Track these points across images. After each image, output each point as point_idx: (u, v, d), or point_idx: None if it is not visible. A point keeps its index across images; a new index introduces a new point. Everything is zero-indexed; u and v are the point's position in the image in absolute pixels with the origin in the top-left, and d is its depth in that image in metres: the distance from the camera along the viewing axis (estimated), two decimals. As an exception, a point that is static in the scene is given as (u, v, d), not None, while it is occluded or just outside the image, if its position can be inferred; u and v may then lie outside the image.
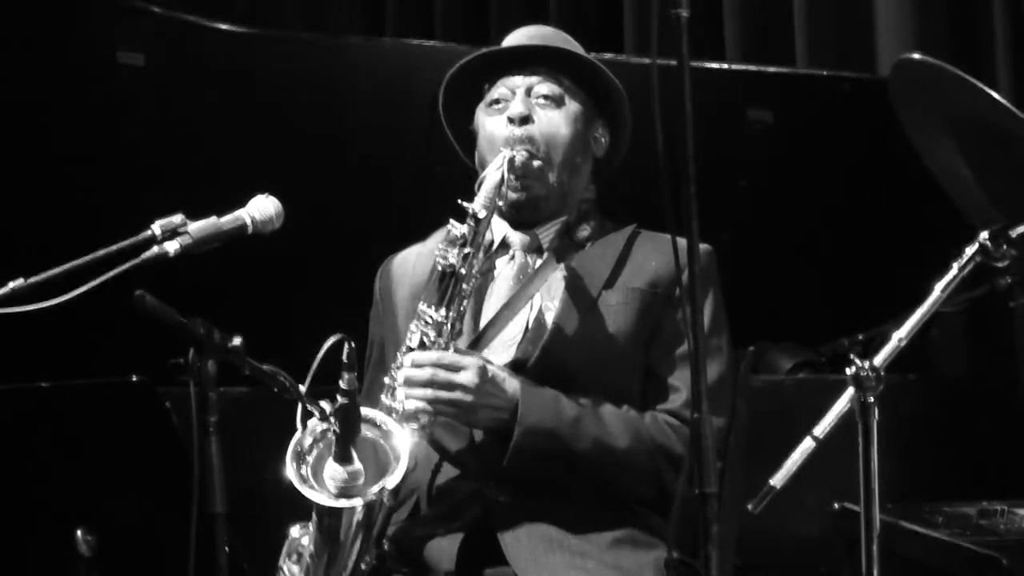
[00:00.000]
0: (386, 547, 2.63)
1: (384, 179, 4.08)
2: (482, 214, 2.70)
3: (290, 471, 2.50)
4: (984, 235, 2.41)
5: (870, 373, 2.28)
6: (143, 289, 2.28)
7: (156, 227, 2.54)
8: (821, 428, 2.31)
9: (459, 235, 2.69)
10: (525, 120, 2.82)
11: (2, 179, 3.74)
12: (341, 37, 5.05)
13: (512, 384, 2.68)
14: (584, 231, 2.90)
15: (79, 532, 2.98)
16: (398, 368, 2.67)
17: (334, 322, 2.59)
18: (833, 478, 2.83)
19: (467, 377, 2.63)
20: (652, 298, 2.80)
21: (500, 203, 2.76)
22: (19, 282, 2.47)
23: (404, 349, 2.70)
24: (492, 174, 2.74)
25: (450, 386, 2.63)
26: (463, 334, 2.76)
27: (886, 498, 2.33)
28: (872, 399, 2.28)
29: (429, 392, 2.62)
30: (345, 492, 2.49)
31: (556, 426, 2.66)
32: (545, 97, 2.86)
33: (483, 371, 2.64)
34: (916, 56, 2.60)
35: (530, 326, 2.80)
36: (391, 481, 2.51)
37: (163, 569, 2.75)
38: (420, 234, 3.01)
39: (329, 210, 3.91)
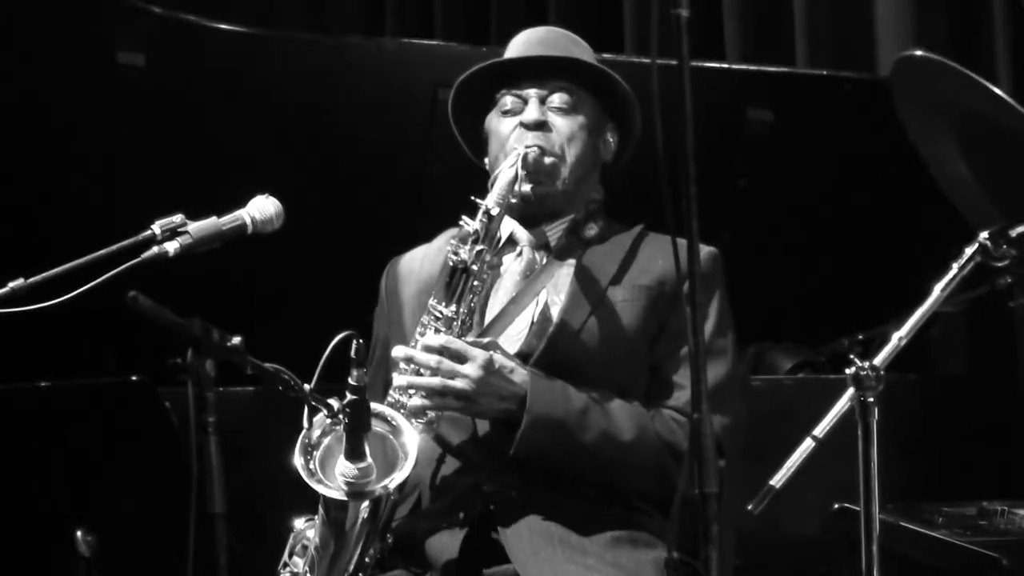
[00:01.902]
0: (389, 540, 2.63)
1: (384, 179, 4.08)
2: (495, 211, 2.70)
3: (299, 465, 2.50)
4: (984, 235, 2.41)
5: (870, 373, 2.28)
6: (144, 290, 2.28)
7: (156, 227, 2.54)
8: (821, 428, 2.31)
9: (471, 231, 2.70)
10: (540, 126, 2.83)
11: (2, 179, 3.74)
12: (341, 37, 5.05)
13: (520, 375, 2.68)
14: (591, 230, 2.91)
15: (79, 532, 2.98)
16: (406, 361, 2.68)
17: (334, 322, 2.59)
18: (833, 478, 2.83)
19: (471, 368, 2.63)
20: (659, 296, 2.80)
21: (513, 200, 2.76)
22: (19, 282, 2.47)
23: (413, 344, 2.70)
24: (506, 171, 2.75)
25: (454, 375, 2.63)
26: (472, 329, 2.76)
27: (886, 498, 2.33)
28: (872, 399, 2.28)
29: (436, 381, 2.63)
30: (355, 488, 2.49)
31: (564, 416, 2.67)
32: (559, 107, 2.86)
33: (489, 362, 2.64)
34: (918, 52, 2.60)
35: (535, 320, 2.80)
36: (399, 477, 2.51)
37: (163, 569, 2.75)
38: (420, 232, 3.01)
39: (329, 210, 3.91)
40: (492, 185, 2.75)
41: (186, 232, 2.55)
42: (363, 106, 4.04)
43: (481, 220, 2.70)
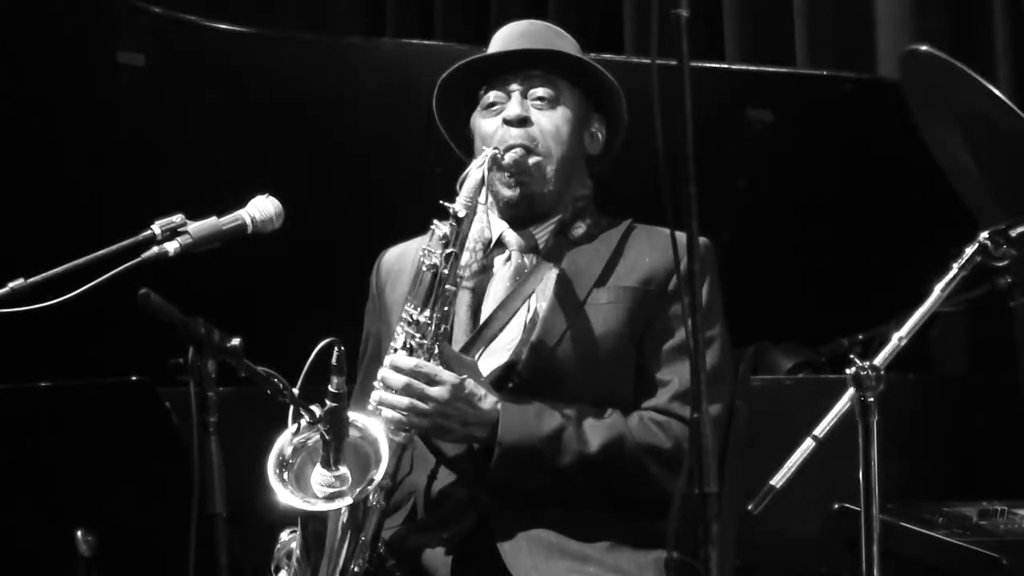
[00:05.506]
0: (382, 550, 2.63)
1: (384, 179, 4.07)
2: (462, 213, 2.68)
3: (272, 478, 2.51)
4: (984, 235, 2.41)
5: (870, 373, 2.28)
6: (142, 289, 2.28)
7: (156, 227, 2.54)
8: (821, 428, 2.31)
9: (441, 235, 2.69)
10: (522, 122, 2.82)
11: (2, 179, 3.74)
12: (341, 37, 5.04)
13: (490, 402, 2.66)
14: (579, 229, 2.89)
15: (79, 532, 2.98)
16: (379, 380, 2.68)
17: (333, 323, 2.59)
18: (833, 478, 2.82)
19: (439, 392, 2.62)
20: (644, 296, 2.79)
21: (482, 201, 2.75)
22: (19, 282, 2.47)
23: (390, 350, 2.69)
24: (474, 172, 2.73)
25: (423, 398, 2.62)
26: (451, 335, 2.75)
27: (886, 498, 2.33)
28: (872, 399, 2.28)
29: (404, 400, 2.62)
30: (332, 496, 2.50)
31: (536, 444, 2.65)
32: (541, 99, 2.85)
33: (457, 388, 2.63)
34: (922, 48, 2.61)
35: (526, 327, 2.79)
36: (373, 484, 2.52)
37: (163, 569, 2.75)
38: (419, 234, 3.00)
39: (329, 210, 3.91)
40: (460, 187, 2.72)
41: (186, 232, 2.56)
42: (363, 106, 4.04)
43: (450, 224, 2.69)
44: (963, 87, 2.51)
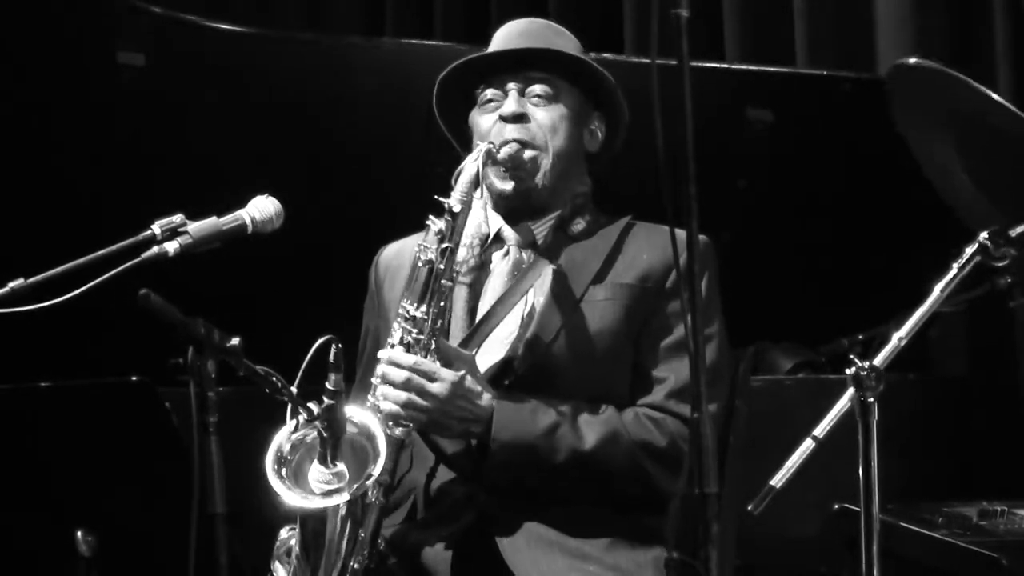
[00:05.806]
0: (382, 547, 2.63)
1: (384, 179, 4.07)
2: (457, 208, 2.69)
3: (270, 475, 2.51)
4: (984, 235, 2.41)
5: (870, 373, 2.29)
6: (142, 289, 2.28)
7: (156, 227, 2.54)
8: (821, 428, 2.31)
9: (436, 231, 2.69)
10: (519, 118, 2.82)
11: (2, 179, 3.74)
12: (341, 37, 5.05)
13: (487, 398, 2.66)
14: (578, 225, 2.89)
15: (79, 532, 2.98)
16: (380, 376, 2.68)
17: (332, 322, 2.59)
18: (833, 478, 2.82)
19: (438, 388, 2.62)
20: (641, 293, 2.79)
21: (478, 196, 2.75)
22: (19, 282, 2.47)
23: (387, 346, 2.70)
24: (468, 167, 2.73)
25: (422, 393, 2.62)
26: (451, 330, 2.76)
27: (886, 498, 2.33)
28: (872, 399, 2.28)
29: (403, 395, 2.62)
30: (330, 493, 2.50)
31: (532, 440, 2.65)
32: (538, 96, 2.85)
33: (457, 385, 2.63)
34: (911, 60, 2.61)
35: (523, 322, 2.79)
36: (370, 480, 2.53)
37: (163, 569, 2.75)
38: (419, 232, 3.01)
39: (329, 210, 3.91)
40: (455, 182, 2.72)
41: (186, 232, 2.56)
42: (363, 106, 4.04)
43: (446, 219, 2.69)
44: (957, 93, 2.51)
